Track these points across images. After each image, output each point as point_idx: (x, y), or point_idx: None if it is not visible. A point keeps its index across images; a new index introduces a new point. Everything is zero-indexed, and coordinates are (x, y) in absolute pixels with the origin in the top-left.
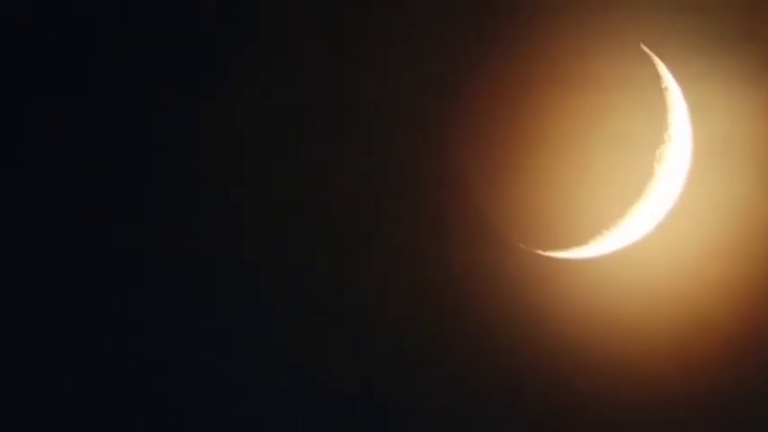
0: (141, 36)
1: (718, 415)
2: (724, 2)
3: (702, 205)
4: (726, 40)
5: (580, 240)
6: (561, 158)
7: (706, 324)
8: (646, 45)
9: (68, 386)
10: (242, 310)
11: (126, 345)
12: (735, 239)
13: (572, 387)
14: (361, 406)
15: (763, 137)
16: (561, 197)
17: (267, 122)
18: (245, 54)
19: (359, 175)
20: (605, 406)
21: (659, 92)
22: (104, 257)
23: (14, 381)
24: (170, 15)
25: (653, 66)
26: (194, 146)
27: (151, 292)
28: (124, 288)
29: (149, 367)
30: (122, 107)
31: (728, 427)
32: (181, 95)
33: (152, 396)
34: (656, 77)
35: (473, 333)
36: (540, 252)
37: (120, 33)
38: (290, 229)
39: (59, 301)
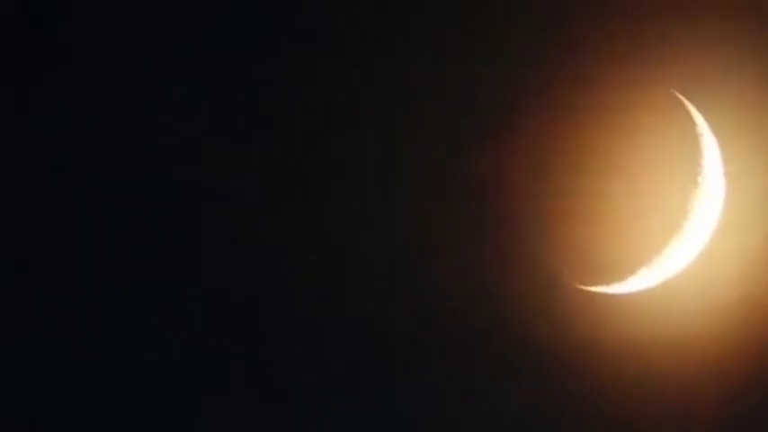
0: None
1: None
2: (757, 47)
3: (736, 243)
4: (760, 85)
5: (620, 276)
6: (600, 198)
7: (746, 358)
8: (678, 91)
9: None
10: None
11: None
12: None
13: (611, 421)
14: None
15: None
16: (601, 235)
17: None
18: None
19: (404, 201)
20: None
21: (693, 136)
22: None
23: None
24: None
25: (686, 111)
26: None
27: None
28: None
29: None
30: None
31: None
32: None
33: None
34: (690, 122)
35: (511, 366)
36: (582, 287)
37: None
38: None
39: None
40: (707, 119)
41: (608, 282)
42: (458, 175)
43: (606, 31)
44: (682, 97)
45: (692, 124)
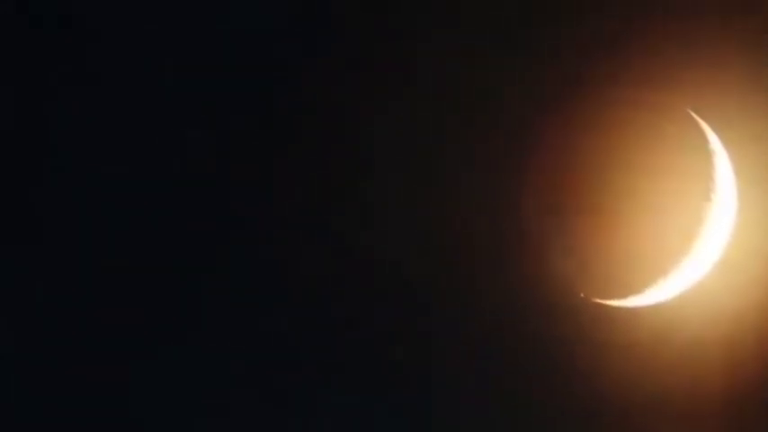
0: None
1: None
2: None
3: (749, 255)
4: None
5: (636, 289)
6: (617, 214)
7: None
8: (693, 110)
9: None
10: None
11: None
12: None
13: None
14: None
15: None
16: (618, 249)
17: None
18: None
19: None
20: None
21: (706, 153)
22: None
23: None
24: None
25: (700, 129)
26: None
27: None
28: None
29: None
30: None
31: None
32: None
33: None
34: (704, 140)
35: (531, 383)
36: (599, 301)
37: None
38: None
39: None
40: (720, 137)
41: (625, 295)
42: (475, 187)
43: (625, 57)
44: (696, 116)
45: (706, 142)
